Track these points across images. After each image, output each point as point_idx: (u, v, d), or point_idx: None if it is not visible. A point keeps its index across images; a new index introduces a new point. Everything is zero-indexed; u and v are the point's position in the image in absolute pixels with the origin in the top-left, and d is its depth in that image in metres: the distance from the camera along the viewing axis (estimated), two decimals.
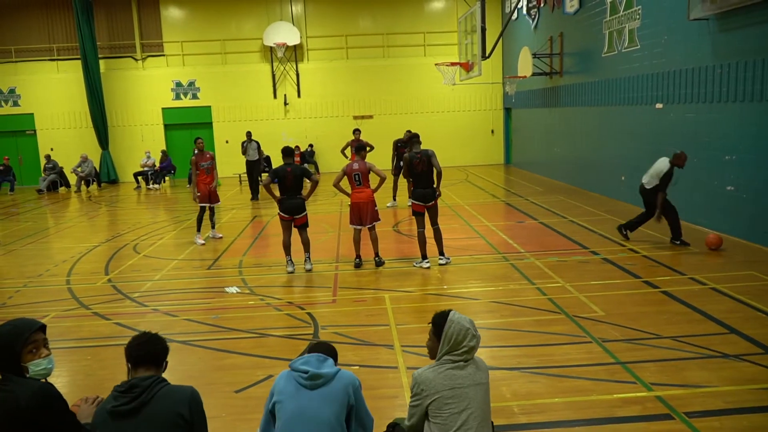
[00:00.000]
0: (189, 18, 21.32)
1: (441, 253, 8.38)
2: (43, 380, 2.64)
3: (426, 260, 8.26)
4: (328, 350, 3.15)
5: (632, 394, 4.45)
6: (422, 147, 8.31)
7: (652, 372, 4.79)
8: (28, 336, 2.62)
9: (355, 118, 21.59)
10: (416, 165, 8.10)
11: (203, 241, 10.44)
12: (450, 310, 3.13)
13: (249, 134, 16.08)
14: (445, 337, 3.03)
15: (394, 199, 13.62)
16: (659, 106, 11.00)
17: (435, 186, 8.18)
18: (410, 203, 8.88)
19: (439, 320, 3.09)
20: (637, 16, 11.61)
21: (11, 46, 21.05)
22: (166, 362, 2.78)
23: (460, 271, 8.10)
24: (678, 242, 8.78)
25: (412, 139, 8.36)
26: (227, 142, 21.36)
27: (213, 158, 10.61)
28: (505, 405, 4.38)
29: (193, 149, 11.07)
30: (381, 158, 14.69)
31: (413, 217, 8.55)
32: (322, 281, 7.92)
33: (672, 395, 4.40)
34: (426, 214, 8.28)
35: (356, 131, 13.85)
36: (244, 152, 15.85)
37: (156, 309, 6.99)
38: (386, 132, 20.79)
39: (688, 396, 4.39)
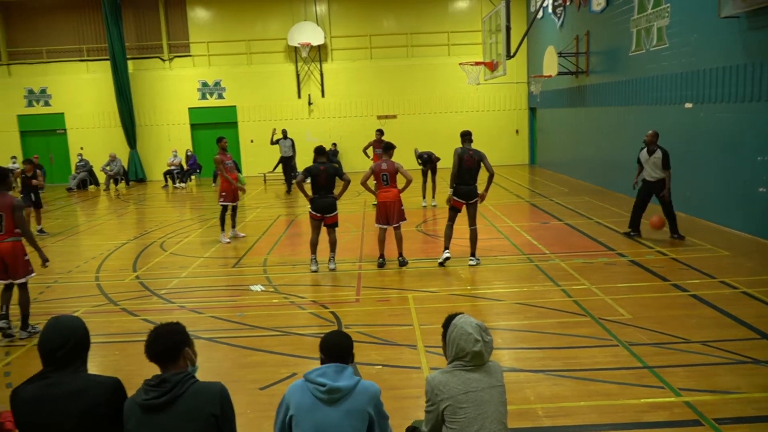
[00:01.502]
0: (215, 19, 21.57)
1: (472, 254, 8.36)
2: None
3: (446, 251, 8.26)
4: (344, 349, 2.93)
5: (660, 399, 4.38)
6: (460, 146, 8.20)
7: (680, 377, 4.70)
8: None
9: (379, 117, 21.61)
10: (466, 160, 8.04)
11: (228, 240, 10.55)
12: (458, 314, 3.04)
13: (285, 132, 17.86)
14: (448, 341, 2.96)
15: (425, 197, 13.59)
16: (689, 105, 10.80)
17: (485, 189, 8.19)
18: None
19: (446, 324, 3.03)
20: (666, 14, 11.41)
21: (43, 47, 21.54)
22: (187, 350, 2.69)
23: (485, 271, 8.05)
24: (675, 236, 9.01)
25: (464, 135, 8.30)
26: (252, 141, 21.58)
27: (232, 158, 10.87)
28: (529, 408, 4.35)
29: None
30: (402, 158, 14.68)
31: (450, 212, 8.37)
32: (345, 280, 7.94)
33: (701, 401, 4.32)
34: (464, 213, 8.21)
35: (379, 131, 13.82)
36: (274, 143, 17.16)
37: (182, 306, 7.09)
38: (410, 132, 20.86)
39: (718, 402, 4.31)
